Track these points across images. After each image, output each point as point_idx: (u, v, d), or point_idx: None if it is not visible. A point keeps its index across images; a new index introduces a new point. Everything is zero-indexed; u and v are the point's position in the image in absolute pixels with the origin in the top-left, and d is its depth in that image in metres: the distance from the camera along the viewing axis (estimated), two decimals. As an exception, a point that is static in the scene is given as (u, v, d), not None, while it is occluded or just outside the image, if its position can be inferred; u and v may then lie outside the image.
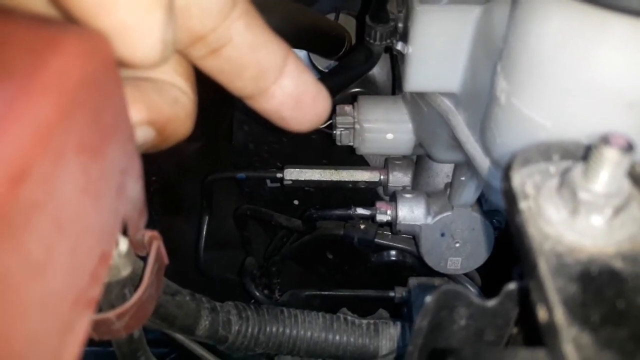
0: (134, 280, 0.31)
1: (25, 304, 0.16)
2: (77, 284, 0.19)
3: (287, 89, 0.26)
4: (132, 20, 0.20)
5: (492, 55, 0.38)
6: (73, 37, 0.19)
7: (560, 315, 0.21)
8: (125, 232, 0.27)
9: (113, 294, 0.32)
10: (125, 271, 0.31)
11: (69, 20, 0.21)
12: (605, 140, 0.23)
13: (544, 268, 0.22)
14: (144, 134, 0.24)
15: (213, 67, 0.25)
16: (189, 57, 0.25)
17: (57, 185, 0.17)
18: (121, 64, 0.21)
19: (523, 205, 0.25)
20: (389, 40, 0.51)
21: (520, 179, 0.26)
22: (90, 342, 0.31)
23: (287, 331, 0.55)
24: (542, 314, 0.21)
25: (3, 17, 0.19)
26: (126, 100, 0.22)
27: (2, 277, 0.15)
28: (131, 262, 0.31)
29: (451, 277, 0.74)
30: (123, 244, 0.29)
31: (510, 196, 0.26)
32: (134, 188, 0.24)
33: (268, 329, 0.55)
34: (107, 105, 0.20)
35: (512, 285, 0.28)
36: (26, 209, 0.16)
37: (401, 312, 0.77)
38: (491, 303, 0.29)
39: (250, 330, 0.54)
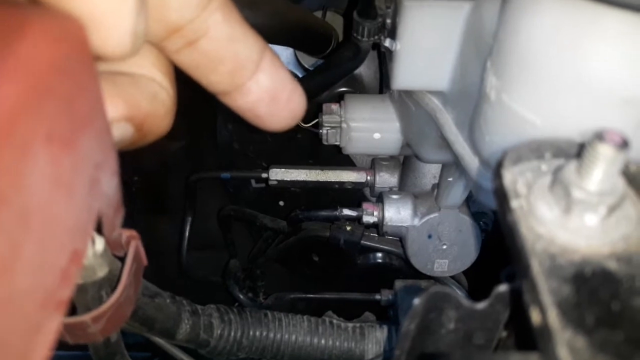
0: (111, 282, 0.30)
1: (-13, 305, 0.15)
2: (46, 284, 0.18)
3: (263, 84, 0.25)
4: (104, 8, 0.19)
5: (482, 52, 0.38)
6: (42, 20, 0.18)
7: (554, 318, 0.20)
8: (100, 231, 0.25)
9: (89, 295, 0.31)
10: (102, 272, 0.30)
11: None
12: (599, 136, 0.22)
13: (537, 269, 0.22)
14: (121, 131, 0.23)
15: (188, 61, 0.24)
16: (164, 50, 0.24)
17: (24, 176, 0.16)
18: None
19: (514, 204, 0.24)
20: (376, 37, 0.50)
21: (512, 177, 0.25)
22: (66, 346, 0.30)
23: (271, 335, 0.54)
24: (535, 316, 0.21)
25: None
26: (102, 91, 0.21)
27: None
28: (108, 262, 0.30)
29: (438, 280, 0.73)
30: (99, 244, 0.28)
31: (501, 194, 0.25)
32: (109, 184, 0.23)
33: (251, 332, 0.53)
34: (80, 93, 0.19)
35: (502, 287, 0.27)
36: (-12, 202, 0.15)
37: (387, 314, 0.76)
38: (481, 305, 0.28)
39: (232, 334, 0.52)
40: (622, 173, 0.24)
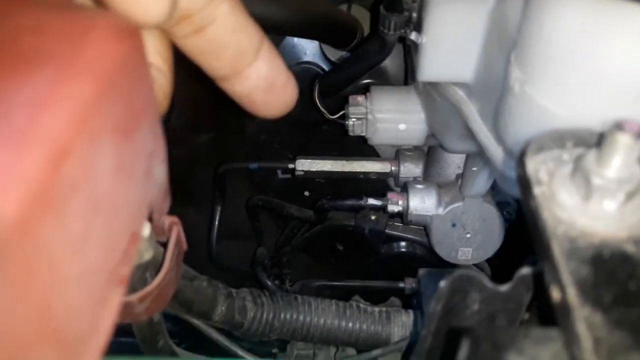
0: (155, 265, 0.32)
1: (66, 278, 0.17)
2: (111, 261, 0.20)
3: (261, 72, 0.27)
4: None
5: (505, 45, 0.39)
6: (105, 23, 0.20)
7: (573, 296, 0.21)
8: (149, 217, 0.27)
9: (135, 277, 0.32)
10: (148, 255, 0.32)
11: None
12: (619, 126, 0.23)
13: (557, 250, 0.23)
14: None
15: (194, 47, 0.26)
16: (172, 35, 0.25)
17: (94, 164, 0.18)
18: None
19: (537, 190, 0.25)
20: (403, 30, 0.51)
21: (535, 165, 0.27)
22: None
23: (301, 318, 0.56)
24: (555, 294, 0.22)
25: (35, 6, 0.20)
26: (153, 84, 0.23)
27: (46, 252, 0.16)
28: (153, 246, 0.32)
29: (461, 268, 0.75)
30: (146, 229, 0.30)
31: (524, 182, 0.26)
32: (160, 171, 0.25)
33: (282, 315, 0.55)
34: (138, 88, 0.21)
35: (525, 270, 0.28)
36: (66, 187, 0.17)
37: (411, 303, 0.78)
38: (504, 288, 0.29)
39: (265, 316, 0.55)
40: (641, 161, 0.25)
